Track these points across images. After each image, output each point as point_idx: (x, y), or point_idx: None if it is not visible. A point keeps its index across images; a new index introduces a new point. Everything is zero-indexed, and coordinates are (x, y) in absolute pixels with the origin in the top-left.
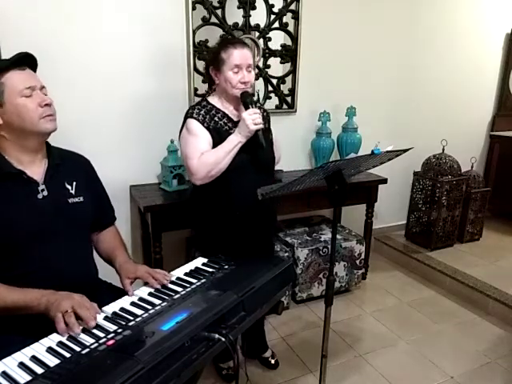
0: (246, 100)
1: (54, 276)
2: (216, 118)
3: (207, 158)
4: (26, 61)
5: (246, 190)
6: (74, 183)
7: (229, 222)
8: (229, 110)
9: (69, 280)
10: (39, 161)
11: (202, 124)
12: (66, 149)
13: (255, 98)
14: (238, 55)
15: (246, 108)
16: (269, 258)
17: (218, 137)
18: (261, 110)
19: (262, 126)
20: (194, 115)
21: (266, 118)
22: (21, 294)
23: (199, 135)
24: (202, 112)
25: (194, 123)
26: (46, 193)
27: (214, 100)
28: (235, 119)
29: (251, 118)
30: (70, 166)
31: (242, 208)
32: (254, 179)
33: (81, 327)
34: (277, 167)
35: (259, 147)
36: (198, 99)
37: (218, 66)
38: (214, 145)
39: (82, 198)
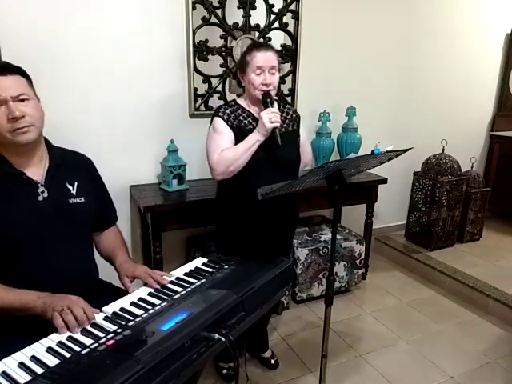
0: (265, 100)
1: (54, 276)
2: (241, 118)
3: (226, 154)
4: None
5: (263, 186)
6: (76, 183)
7: (247, 218)
8: (254, 110)
9: (69, 280)
10: (38, 162)
11: (226, 122)
12: (68, 149)
13: (275, 100)
14: (261, 57)
15: (266, 107)
16: (269, 258)
17: (241, 135)
18: (290, 111)
19: (278, 124)
20: (220, 114)
21: (295, 121)
22: (17, 295)
23: (222, 133)
24: (228, 111)
25: (219, 121)
26: (46, 194)
27: (241, 101)
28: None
29: (268, 117)
30: (72, 166)
31: (257, 204)
32: (271, 178)
33: (79, 328)
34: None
35: (275, 145)
36: (198, 99)
37: (243, 69)
38: (237, 142)
39: (83, 199)
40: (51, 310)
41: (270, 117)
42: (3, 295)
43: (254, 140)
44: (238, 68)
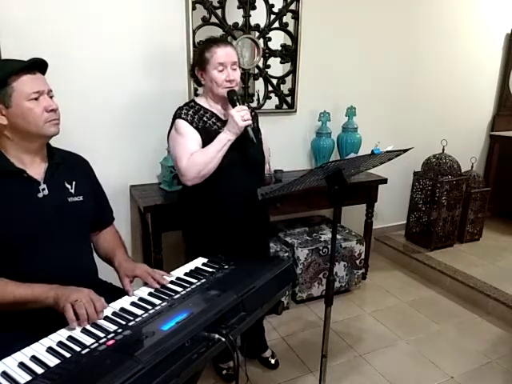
0: (232, 97)
1: (54, 275)
2: (205, 118)
3: (197, 157)
4: (37, 65)
5: (236, 188)
6: (74, 183)
7: (219, 221)
8: (216, 109)
9: (68, 279)
10: (40, 161)
11: (191, 124)
12: (65, 149)
13: (240, 97)
14: (222, 53)
15: (234, 105)
16: (269, 258)
17: (207, 137)
18: (248, 108)
19: (250, 122)
20: (183, 115)
21: (254, 118)
22: (29, 288)
23: (188, 135)
24: (191, 112)
25: (182, 123)
26: (46, 192)
27: (201, 101)
28: (224, 118)
29: (240, 115)
30: (70, 166)
31: (230, 206)
32: (243, 177)
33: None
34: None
35: (250, 143)
36: None
37: (203, 66)
38: (204, 145)
39: (81, 197)
40: (64, 301)
41: (242, 115)
42: (15, 289)
43: (225, 140)
44: (197, 66)
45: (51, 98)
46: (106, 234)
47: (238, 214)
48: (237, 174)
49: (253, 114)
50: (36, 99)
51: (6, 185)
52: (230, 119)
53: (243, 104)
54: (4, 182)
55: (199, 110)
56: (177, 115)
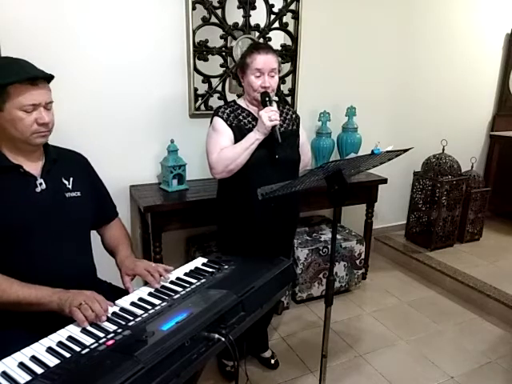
0: (264, 99)
1: (52, 272)
2: (240, 117)
3: (226, 153)
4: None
5: (264, 185)
6: (71, 178)
7: (248, 217)
8: (253, 109)
9: (66, 275)
10: (35, 157)
11: (226, 122)
12: (62, 147)
13: (275, 99)
14: (261, 60)
15: (265, 106)
16: (269, 258)
17: (240, 134)
18: (289, 111)
19: (277, 122)
20: (219, 113)
21: (295, 121)
22: (33, 289)
23: (222, 132)
24: (227, 111)
25: (218, 121)
26: (44, 186)
27: (240, 101)
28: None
29: (267, 115)
30: (67, 163)
31: (259, 204)
32: (271, 177)
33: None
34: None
35: (275, 143)
36: (198, 99)
37: (243, 70)
38: (236, 141)
39: (79, 193)
40: (69, 306)
41: (270, 115)
42: (18, 289)
43: (253, 139)
44: (238, 68)
45: (49, 110)
46: (111, 228)
47: (267, 212)
48: (266, 172)
49: (293, 116)
50: (30, 111)
51: (3, 179)
52: (259, 119)
53: (278, 107)
54: (1, 176)
55: (237, 109)
56: (215, 113)
